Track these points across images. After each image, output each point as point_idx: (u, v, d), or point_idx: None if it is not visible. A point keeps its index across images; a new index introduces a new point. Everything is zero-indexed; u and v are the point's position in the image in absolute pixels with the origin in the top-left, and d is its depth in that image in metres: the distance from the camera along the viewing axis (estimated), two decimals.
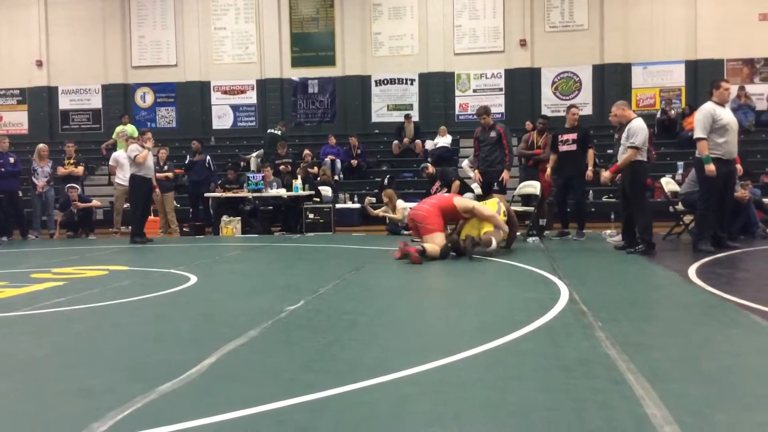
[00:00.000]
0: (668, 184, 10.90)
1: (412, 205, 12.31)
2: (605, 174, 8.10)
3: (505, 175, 10.11)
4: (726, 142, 8.08)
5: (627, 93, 17.16)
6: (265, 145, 15.80)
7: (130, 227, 12.09)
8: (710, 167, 7.92)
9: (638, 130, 8.02)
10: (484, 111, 10.37)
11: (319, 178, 14.53)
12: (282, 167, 14.18)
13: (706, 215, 8.19)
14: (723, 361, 3.48)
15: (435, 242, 7.97)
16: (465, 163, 14.40)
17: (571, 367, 3.32)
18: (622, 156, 8.16)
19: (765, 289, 5.80)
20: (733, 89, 16.32)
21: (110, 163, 14.22)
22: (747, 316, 4.47)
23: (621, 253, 8.18)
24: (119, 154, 13.50)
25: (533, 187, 10.97)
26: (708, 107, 8.15)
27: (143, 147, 11.44)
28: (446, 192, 11.58)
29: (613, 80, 17.51)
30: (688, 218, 9.98)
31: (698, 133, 8.09)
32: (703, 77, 16.35)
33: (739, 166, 9.04)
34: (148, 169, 11.52)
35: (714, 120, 8.02)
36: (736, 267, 7.29)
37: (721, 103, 8.23)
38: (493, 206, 8.62)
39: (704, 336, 4.05)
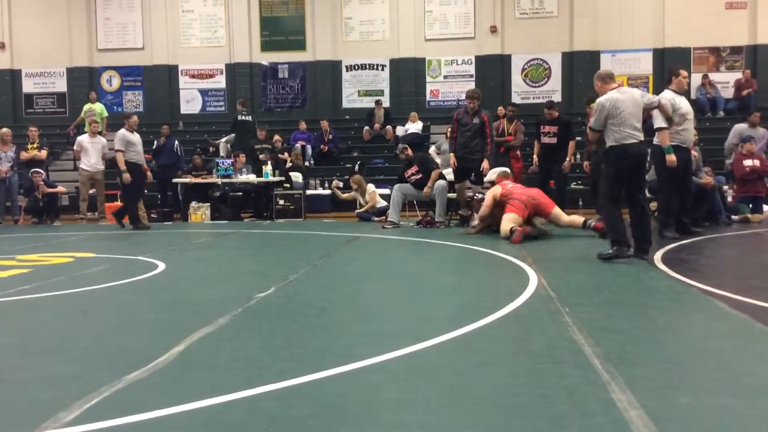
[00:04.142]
0: None
1: (385, 191, 12.23)
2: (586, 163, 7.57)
3: (485, 164, 9.57)
4: (684, 130, 8.22)
5: None
6: (237, 132, 15.23)
7: (96, 213, 11.87)
8: (671, 158, 7.95)
9: (596, 107, 6.75)
10: (478, 95, 9.74)
11: (291, 164, 14.34)
12: (262, 156, 13.69)
13: (669, 202, 8.31)
14: (687, 345, 3.56)
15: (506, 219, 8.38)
16: (432, 149, 14.31)
17: (539, 353, 3.37)
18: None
19: (728, 276, 5.93)
20: (697, 77, 16.65)
21: (74, 147, 13.96)
22: (710, 301, 4.56)
23: (589, 240, 8.17)
24: (83, 139, 13.24)
25: None
26: (667, 96, 8.23)
27: (132, 131, 11.27)
28: (422, 177, 11.07)
29: (582, 68, 17.57)
30: (654, 205, 10.11)
31: (659, 123, 8.16)
32: (670, 65, 16.51)
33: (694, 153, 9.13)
34: (138, 155, 11.30)
35: (673, 109, 8.11)
36: (700, 253, 7.41)
37: (680, 92, 8.33)
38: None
39: (669, 321, 4.13)
